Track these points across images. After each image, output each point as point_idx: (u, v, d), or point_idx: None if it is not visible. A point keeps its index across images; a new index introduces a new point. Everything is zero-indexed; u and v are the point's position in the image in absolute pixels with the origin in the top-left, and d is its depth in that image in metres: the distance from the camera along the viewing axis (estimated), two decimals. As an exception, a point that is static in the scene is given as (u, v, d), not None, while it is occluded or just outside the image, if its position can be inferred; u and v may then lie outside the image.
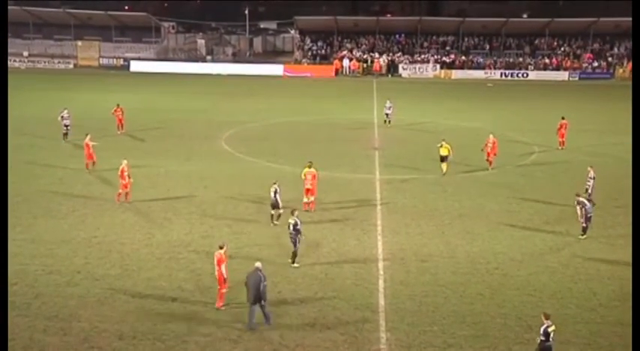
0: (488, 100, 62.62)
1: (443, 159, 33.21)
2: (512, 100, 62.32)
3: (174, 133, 44.27)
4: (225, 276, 19.70)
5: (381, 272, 22.90)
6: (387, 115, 46.74)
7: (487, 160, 35.17)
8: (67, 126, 41.11)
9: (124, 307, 19.91)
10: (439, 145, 33.48)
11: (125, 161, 29.31)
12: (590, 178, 29.02)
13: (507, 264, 23.69)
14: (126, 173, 28.93)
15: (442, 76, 78.45)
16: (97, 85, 67.59)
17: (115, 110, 43.37)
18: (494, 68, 79.52)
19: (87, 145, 33.53)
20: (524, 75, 78.60)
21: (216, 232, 26.13)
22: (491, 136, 35.03)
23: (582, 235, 25.87)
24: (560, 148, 41.20)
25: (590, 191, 28.65)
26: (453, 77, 78.14)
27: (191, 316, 19.42)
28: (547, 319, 16.75)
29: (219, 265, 19.64)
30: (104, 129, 43.88)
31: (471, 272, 22.99)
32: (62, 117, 41.12)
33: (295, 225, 22.73)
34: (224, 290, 19.85)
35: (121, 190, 29.07)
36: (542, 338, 16.52)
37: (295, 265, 22.87)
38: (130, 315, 19.44)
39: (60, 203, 29.23)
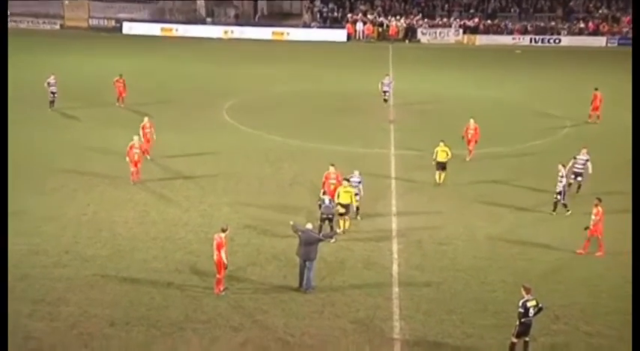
0: (516, 69, 62.20)
1: (440, 166, 29.53)
2: (543, 69, 61.85)
3: (171, 104, 44.21)
4: (225, 261, 19.88)
5: (395, 256, 23.02)
6: (385, 92, 44.33)
7: (468, 148, 33.21)
8: (53, 93, 41.16)
9: (115, 291, 20.13)
10: (436, 148, 29.73)
11: (136, 138, 29.26)
12: (561, 176, 27.03)
13: (533, 249, 23.74)
14: (135, 151, 28.86)
15: (465, 41, 77.86)
16: (87, 48, 67.48)
17: (117, 81, 42.96)
18: (524, 33, 78.81)
19: (144, 129, 32.23)
20: (557, 41, 77.89)
21: (216, 211, 26.28)
22: (471, 121, 33.27)
23: (553, 211, 26.81)
24: (593, 122, 41.01)
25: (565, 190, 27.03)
26: (477, 43, 77.53)
27: (188, 302, 19.63)
28: (527, 293, 17.12)
29: (218, 249, 19.79)
30: (94, 97, 44.01)
31: (493, 257, 23.08)
32: (48, 83, 41.16)
33: (331, 200, 24.10)
34: (222, 276, 20.01)
35: (133, 169, 29.04)
36: (521, 310, 16.95)
37: (332, 240, 23.34)
38: (123, 299, 19.67)
39: (46, 178, 29.43)
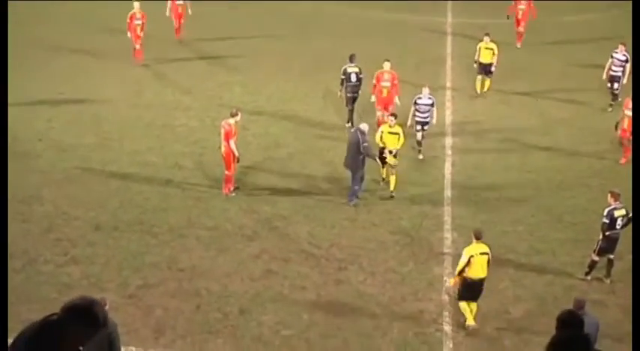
0: None
1: (483, 68, 26.72)
2: None
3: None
4: (235, 154, 19.75)
5: (449, 152, 22.79)
6: None
7: (518, 30, 31.27)
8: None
9: (101, 189, 20.15)
10: (479, 44, 26.96)
11: (137, 4, 28.31)
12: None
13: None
14: (137, 22, 28.09)
15: None
16: None
17: None
18: None
19: (173, 2, 30.97)
20: None
21: (226, 92, 26.12)
22: None
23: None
24: None
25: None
26: None
27: (191, 204, 19.63)
28: (615, 199, 16.72)
29: (227, 139, 19.64)
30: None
31: (573, 154, 22.79)
32: None
33: (358, 74, 23.56)
34: (232, 172, 19.97)
35: (137, 46, 28.32)
36: (606, 221, 16.62)
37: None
38: (110, 199, 19.69)
39: (14, 48, 29.17)
